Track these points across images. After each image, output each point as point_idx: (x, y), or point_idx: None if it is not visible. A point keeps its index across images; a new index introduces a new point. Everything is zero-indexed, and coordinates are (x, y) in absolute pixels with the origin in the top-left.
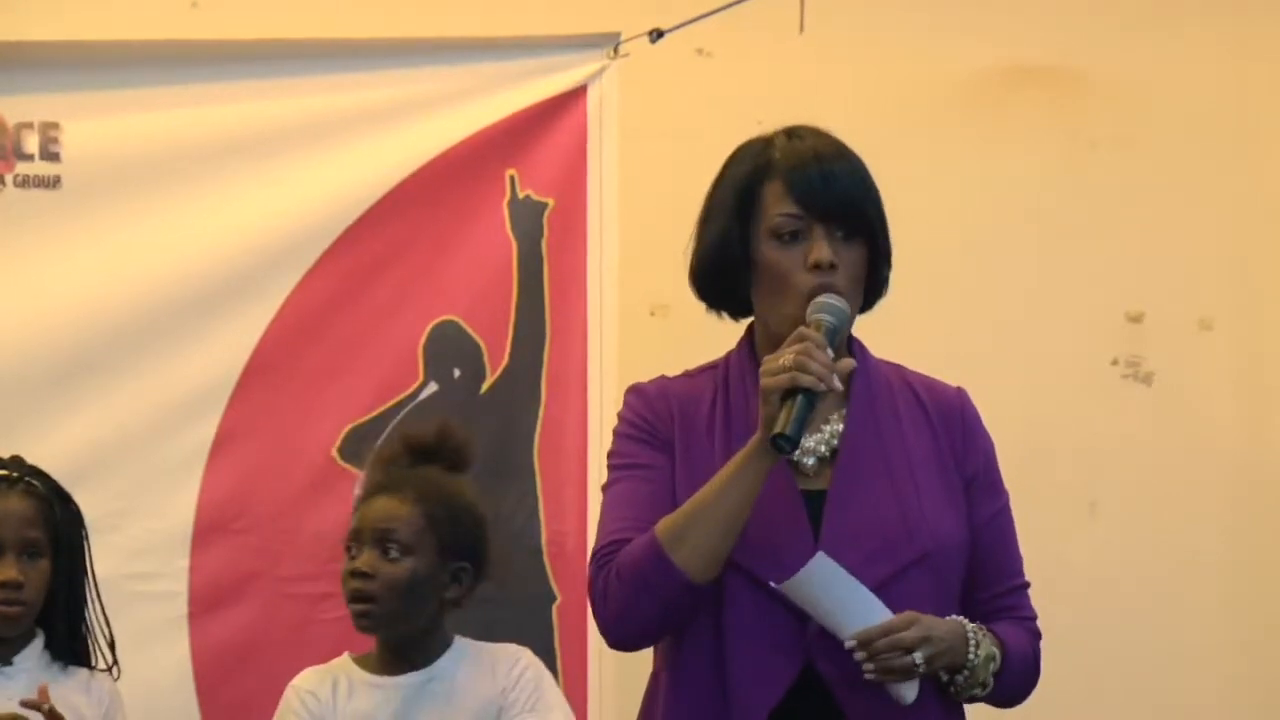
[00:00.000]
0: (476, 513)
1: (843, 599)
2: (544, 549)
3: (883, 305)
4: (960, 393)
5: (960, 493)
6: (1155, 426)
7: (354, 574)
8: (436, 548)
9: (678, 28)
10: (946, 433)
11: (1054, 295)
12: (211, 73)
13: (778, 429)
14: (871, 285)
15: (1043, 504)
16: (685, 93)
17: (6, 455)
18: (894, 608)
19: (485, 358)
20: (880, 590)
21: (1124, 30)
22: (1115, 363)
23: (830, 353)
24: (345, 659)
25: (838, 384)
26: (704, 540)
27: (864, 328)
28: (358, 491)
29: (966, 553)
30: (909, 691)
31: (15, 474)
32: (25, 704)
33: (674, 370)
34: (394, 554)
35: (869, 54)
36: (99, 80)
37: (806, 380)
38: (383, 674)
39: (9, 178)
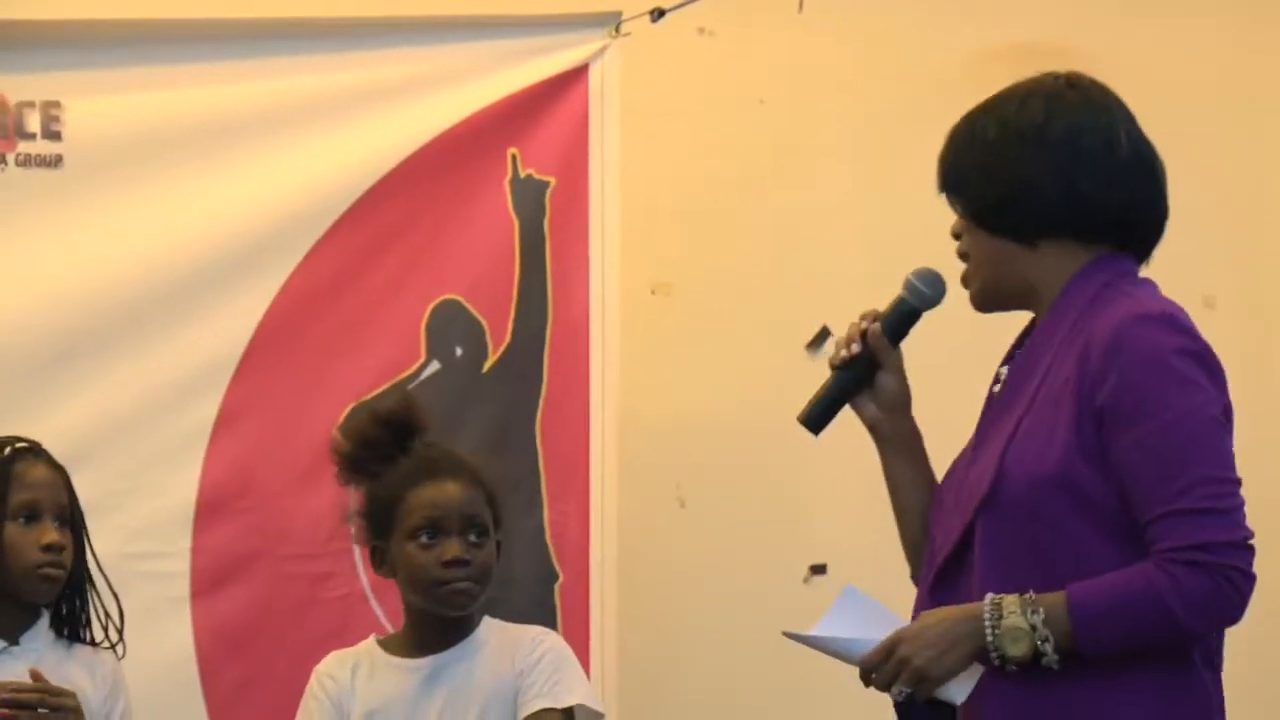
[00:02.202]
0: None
1: (852, 629)
2: (546, 529)
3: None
4: (1125, 320)
5: (1081, 422)
6: None
7: (456, 564)
8: (495, 526)
9: (679, 6)
10: (1089, 360)
11: None
12: (214, 51)
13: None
14: (1007, 226)
15: None
16: (687, 72)
17: (8, 435)
18: (974, 560)
19: (487, 336)
20: (960, 543)
21: (1125, 9)
22: None
23: (866, 323)
24: (371, 641)
25: (855, 348)
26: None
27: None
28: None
29: (1066, 486)
30: (955, 693)
31: (37, 446)
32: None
33: (674, 348)
34: (474, 538)
35: (869, 33)
36: (101, 59)
37: (835, 360)
38: (405, 656)
39: (10, 157)
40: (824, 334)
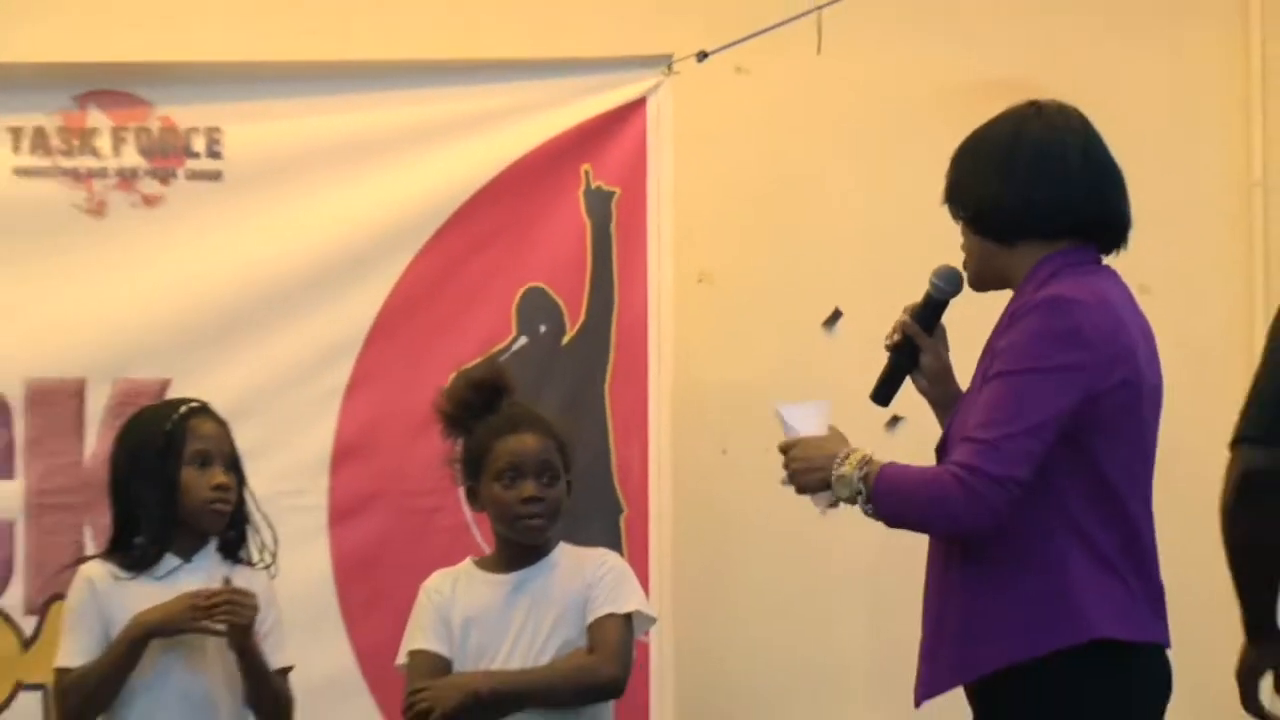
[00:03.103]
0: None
1: (800, 421)
2: (613, 471)
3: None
4: (1041, 301)
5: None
6: None
7: (531, 500)
8: (565, 469)
9: (719, 50)
10: (1001, 333)
11: None
12: (344, 86)
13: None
14: (989, 230)
15: None
16: (726, 102)
17: (184, 397)
18: None
19: (565, 317)
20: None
21: (1081, 45)
22: None
23: (905, 316)
24: (468, 562)
25: (896, 336)
26: None
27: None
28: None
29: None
30: (816, 503)
31: (207, 405)
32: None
33: (716, 325)
34: (547, 480)
35: (873, 69)
36: (254, 93)
37: (886, 345)
38: (495, 572)
39: (180, 171)
40: (836, 314)
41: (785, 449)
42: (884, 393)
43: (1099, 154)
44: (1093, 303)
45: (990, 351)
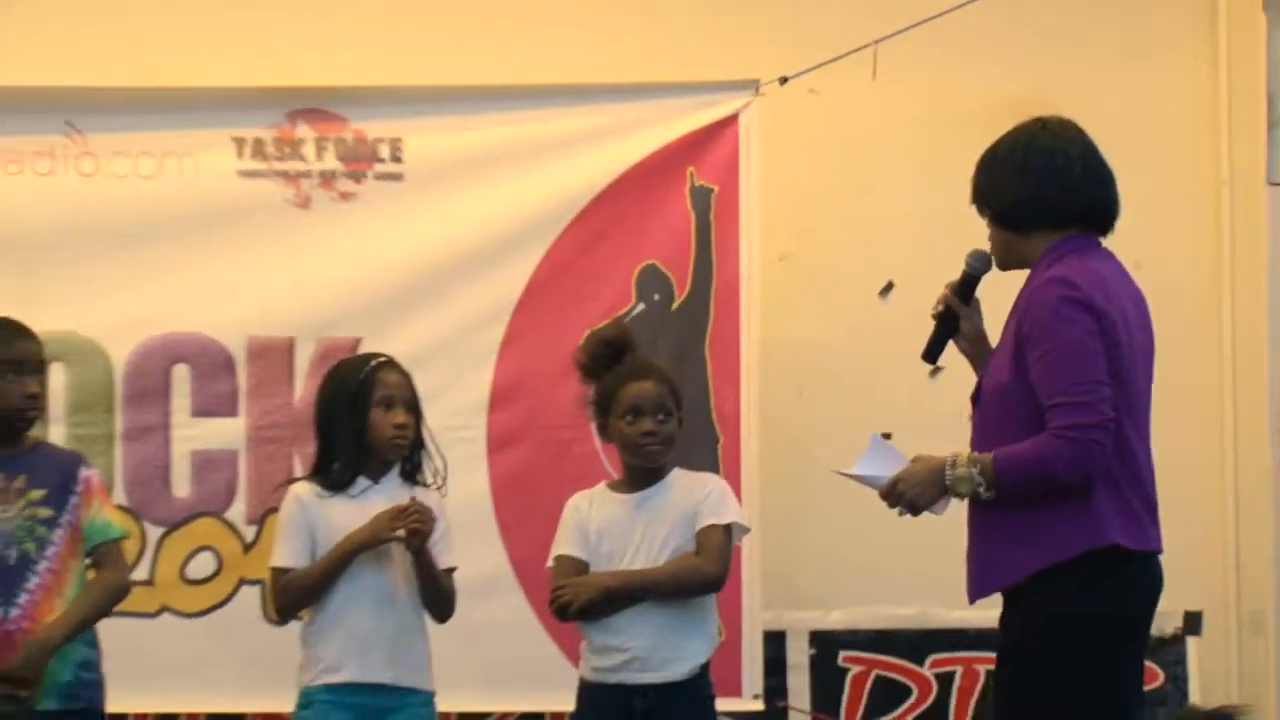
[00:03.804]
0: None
1: (877, 469)
2: (712, 409)
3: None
4: (1047, 280)
5: (1015, 348)
6: None
7: (648, 434)
8: (676, 408)
9: (797, 75)
10: (1020, 308)
11: None
12: (500, 105)
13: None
14: (1008, 223)
15: None
16: (801, 117)
17: (373, 351)
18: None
19: (674, 288)
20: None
21: (1080, 72)
22: None
23: (946, 290)
24: (602, 485)
25: (940, 307)
26: None
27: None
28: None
29: (1016, 391)
30: (937, 511)
31: (392, 359)
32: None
33: (793, 294)
34: (661, 418)
35: (915, 92)
36: (428, 110)
37: (932, 313)
38: (623, 493)
39: (370, 173)
40: (889, 286)
41: (887, 492)
42: (932, 352)
43: (1094, 158)
44: (1086, 278)
45: (1014, 321)
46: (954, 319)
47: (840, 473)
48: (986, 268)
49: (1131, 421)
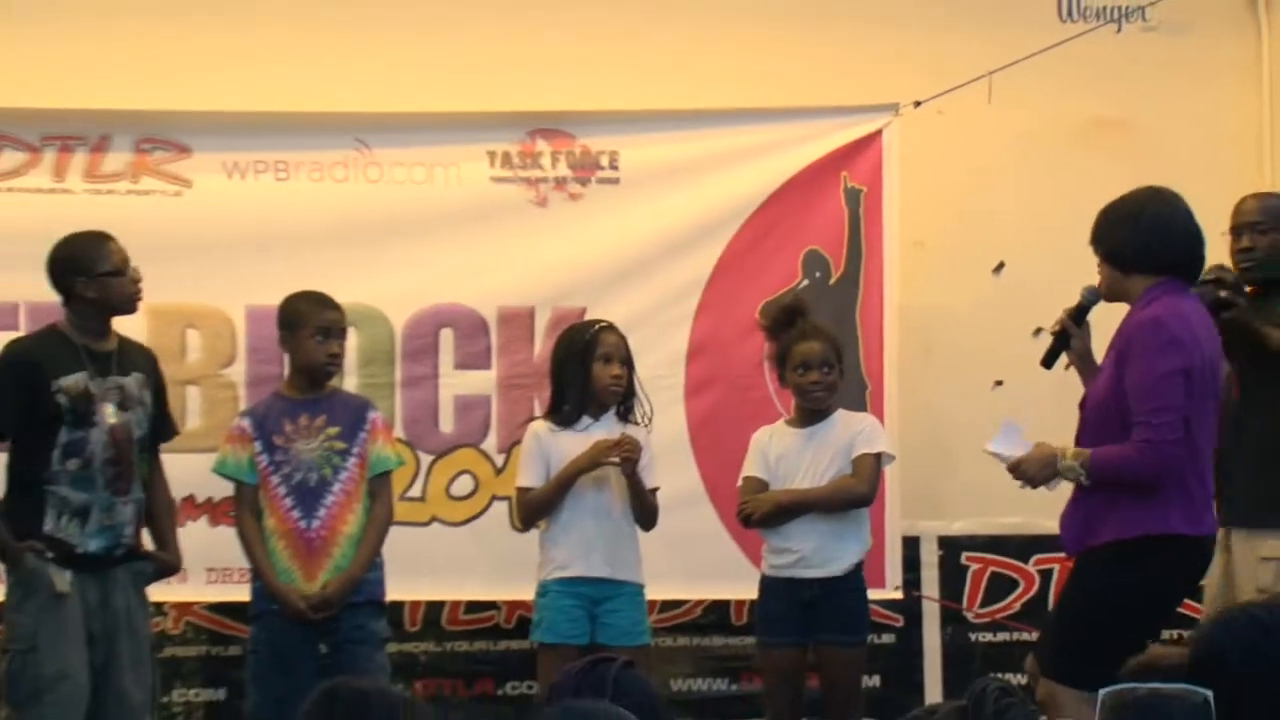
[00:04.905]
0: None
1: (1008, 449)
2: (862, 363)
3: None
4: (1146, 319)
5: (1116, 369)
6: None
7: (815, 383)
8: (837, 362)
9: (927, 100)
10: (1122, 337)
11: None
12: (696, 124)
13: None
14: (1116, 263)
15: None
16: (932, 132)
17: (596, 318)
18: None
19: (832, 267)
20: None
21: (1151, 95)
22: None
23: (1063, 314)
24: (781, 421)
25: (1056, 326)
26: None
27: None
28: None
29: (1113, 406)
30: (1051, 486)
31: (611, 324)
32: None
33: (927, 274)
34: (826, 370)
35: (1022, 111)
36: (639, 129)
37: (1051, 331)
38: (796, 427)
39: (593, 179)
40: (1000, 265)
41: (1013, 469)
42: (1049, 361)
43: (1192, 222)
44: (1176, 319)
45: (1115, 350)
46: (1067, 336)
47: (984, 449)
48: (1096, 299)
49: (1206, 431)
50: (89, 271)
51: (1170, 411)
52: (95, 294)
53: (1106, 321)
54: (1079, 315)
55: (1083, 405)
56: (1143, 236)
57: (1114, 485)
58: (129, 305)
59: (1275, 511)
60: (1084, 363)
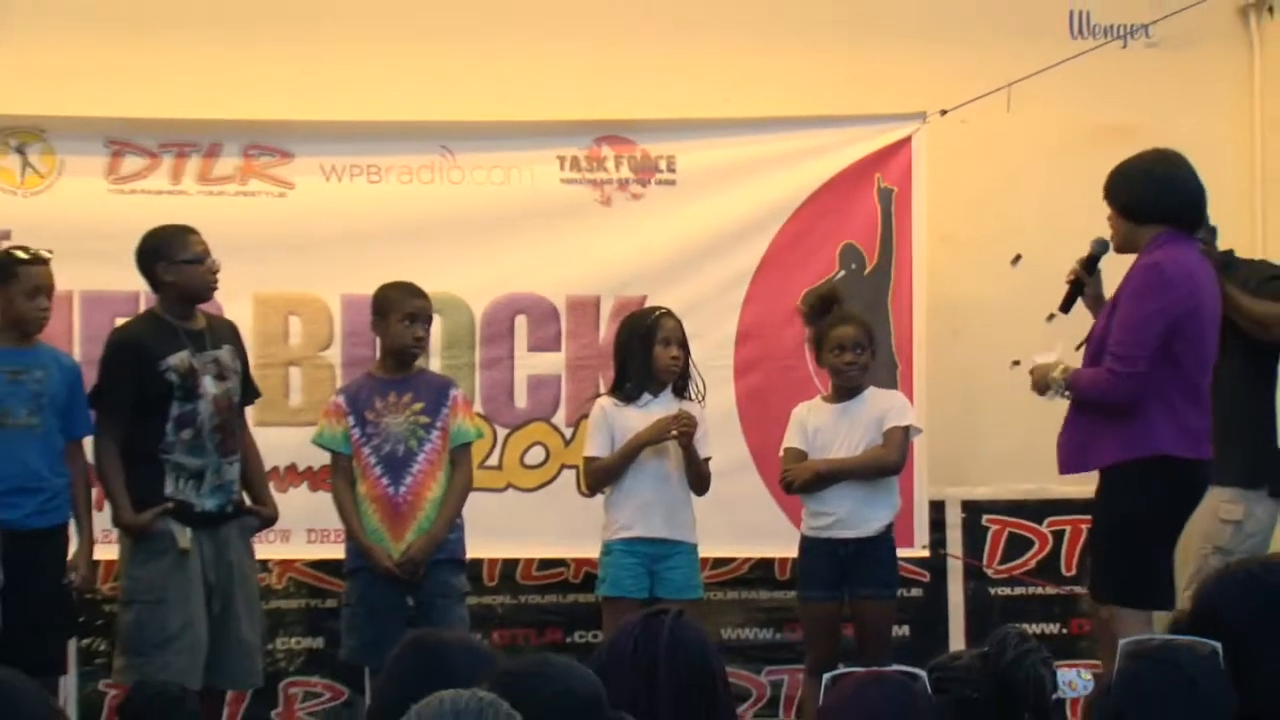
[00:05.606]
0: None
1: (1042, 359)
2: (893, 346)
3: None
4: (1146, 264)
5: (1114, 308)
6: None
7: (850, 363)
8: (870, 345)
9: (953, 109)
10: (1127, 276)
11: None
12: (744, 131)
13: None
14: (1129, 214)
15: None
16: (957, 138)
17: (656, 305)
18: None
19: (866, 259)
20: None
21: (1157, 102)
22: None
23: (1076, 264)
24: (818, 398)
25: (1071, 276)
26: None
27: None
28: (813, 325)
29: (1109, 335)
30: (1048, 396)
31: (670, 311)
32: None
33: (952, 267)
34: (858, 352)
35: (1039, 118)
36: (694, 135)
37: (1067, 279)
38: (832, 403)
39: (653, 180)
40: (1018, 257)
41: (1031, 371)
42: (1066, 306)
43: (1194, 180)
44: (1173, 264)
45: (1120, 290)
46: (1081, 284)
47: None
48: (1105, 250)
49: (1203, 369)
50: (170, 258)
51: (1137, 347)
52: (174, 279)
53: (1120, 271)
54: (1090, 265)
55: (1088, 339)
56: (1154, 190)
57: (1093, 407)
58: (204, 293)
59: (1230, 468)
60: (1096, 306)
